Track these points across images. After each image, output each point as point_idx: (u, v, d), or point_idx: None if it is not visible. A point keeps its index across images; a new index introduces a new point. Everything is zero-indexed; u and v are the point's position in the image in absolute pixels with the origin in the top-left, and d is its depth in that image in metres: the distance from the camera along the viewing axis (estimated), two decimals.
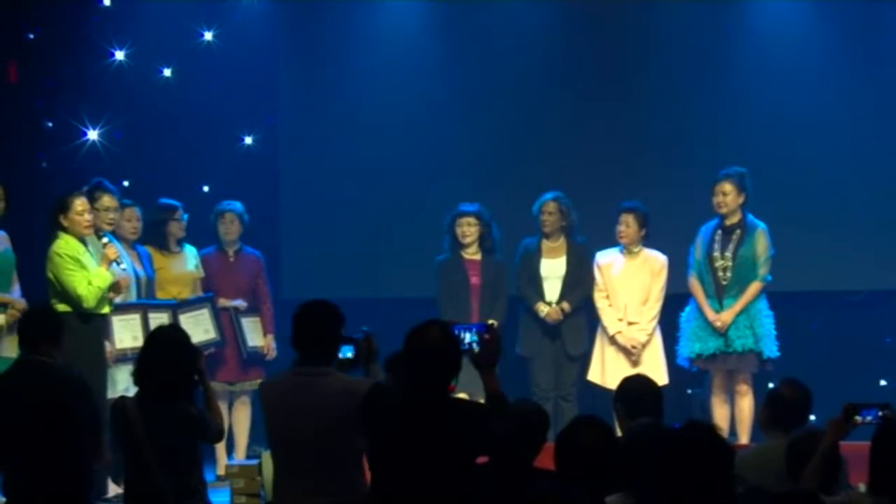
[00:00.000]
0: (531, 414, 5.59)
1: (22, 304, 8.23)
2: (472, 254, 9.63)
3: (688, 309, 9.44)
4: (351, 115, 10.69)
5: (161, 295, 9.16)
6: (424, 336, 5.15)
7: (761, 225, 9.37)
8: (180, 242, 9.45)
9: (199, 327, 8.99)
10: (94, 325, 8.36)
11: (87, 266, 8.33)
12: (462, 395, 5.88)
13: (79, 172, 9.86)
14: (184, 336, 6.17)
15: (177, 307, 9.08)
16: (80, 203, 8.38)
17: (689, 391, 10.28)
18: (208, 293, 9.40)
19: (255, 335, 9.58)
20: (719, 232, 9.36)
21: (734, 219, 9.34)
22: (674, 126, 10.51)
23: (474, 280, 9.56)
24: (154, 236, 9.36)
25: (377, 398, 5.31)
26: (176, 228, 9.39)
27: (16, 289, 8.37)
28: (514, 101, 10.65)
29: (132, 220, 9.11)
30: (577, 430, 4.93)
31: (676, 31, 10.59)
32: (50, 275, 8.31)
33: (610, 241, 9.61)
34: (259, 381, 9.40)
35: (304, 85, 10.80)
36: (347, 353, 5.61)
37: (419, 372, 5.14)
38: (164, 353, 6.00)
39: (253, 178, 10.67)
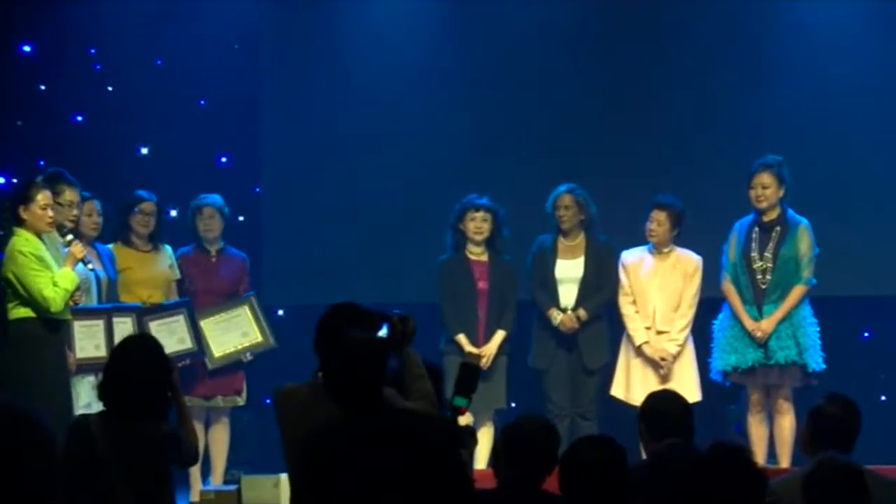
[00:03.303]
0: (538, 431, 5.52)
1: None
2: (479, 254, 9.48)
3: (721, 316, 9.30)
4: (340, 108, 10.61)
5: (129, 298, 8.98)
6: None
7: (803, 221, 9.23)
8: (154, 239, 9.30)
9: (172, 336, 8.81)
10: (60, 333, 8.16)
11: (51, 266, 8.17)
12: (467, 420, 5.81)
13: (39, 162, 9.81)
14: (156, 346, 6.04)
15: (147, 312, 8.92)
16: (43, 196, 8.16)
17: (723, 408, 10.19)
18: (184, 298, 9.24)
19: (229, 336, 9.30)
20: (756, 229, 9.21)
21: (773, 214, 9.19)
22: (701, 117, 10.52)
23: (481, 284, 9.41)
24: (118, 232, 9.23)
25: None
26: (138, 223, 9.21)
27: None
28: (522, 89, 10.57)
29: (92, 216, 8.91)
30: (582, 448, 5.03)
31: (705, 19, 10.64)
32: (10, 275, 8.06)
33: (633, 240, 9.51)
34: (238, 398, 9.33)
35: (289, 78, 10.74)
36: (381, 332, 5.54)
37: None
38: (133, 365, 5.87)
39: (233, 176, 10.59)
